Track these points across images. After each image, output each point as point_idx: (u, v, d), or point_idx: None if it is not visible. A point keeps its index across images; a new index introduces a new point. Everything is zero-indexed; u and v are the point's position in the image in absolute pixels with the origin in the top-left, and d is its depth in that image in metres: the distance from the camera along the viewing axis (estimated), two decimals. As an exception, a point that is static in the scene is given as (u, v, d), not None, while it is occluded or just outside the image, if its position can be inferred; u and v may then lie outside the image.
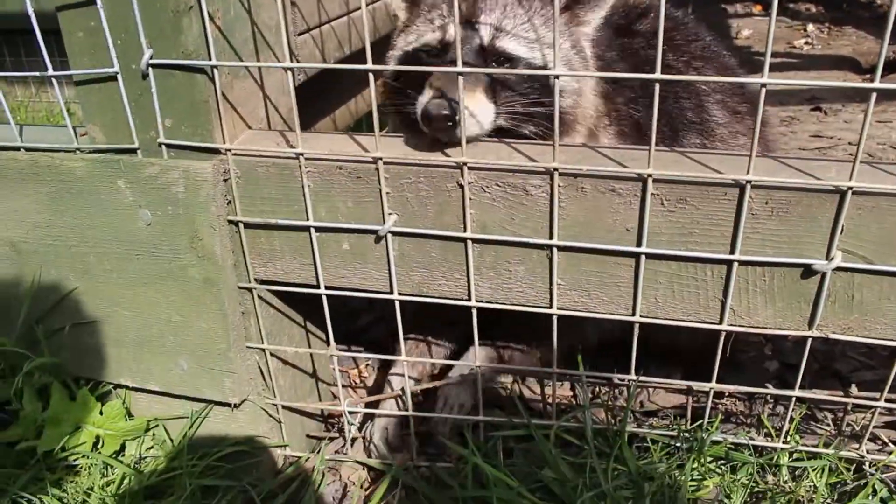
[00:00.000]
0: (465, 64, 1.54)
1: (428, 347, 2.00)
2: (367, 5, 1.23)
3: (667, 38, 1.95)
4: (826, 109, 4.14)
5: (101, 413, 1.77)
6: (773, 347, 2.15)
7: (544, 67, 1.60)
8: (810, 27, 6.25)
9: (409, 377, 1.93)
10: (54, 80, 1.54)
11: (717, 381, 1.50)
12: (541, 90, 1.58)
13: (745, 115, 1.97)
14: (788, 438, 1.61)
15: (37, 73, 1.66)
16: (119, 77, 1.46)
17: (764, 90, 1.18)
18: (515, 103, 1.56)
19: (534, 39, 1.61)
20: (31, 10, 1.47)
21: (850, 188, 1.21)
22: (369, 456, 1.81)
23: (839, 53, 5.41)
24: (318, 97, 2.29)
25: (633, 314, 1.42)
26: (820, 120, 4.06)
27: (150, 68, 1.43)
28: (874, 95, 1.17)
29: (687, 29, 2.08)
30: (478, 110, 1.47)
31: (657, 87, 1.21)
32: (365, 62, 1.31)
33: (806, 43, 5.79)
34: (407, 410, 1.74)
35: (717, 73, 1.96)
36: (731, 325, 1.39)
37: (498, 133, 1.54)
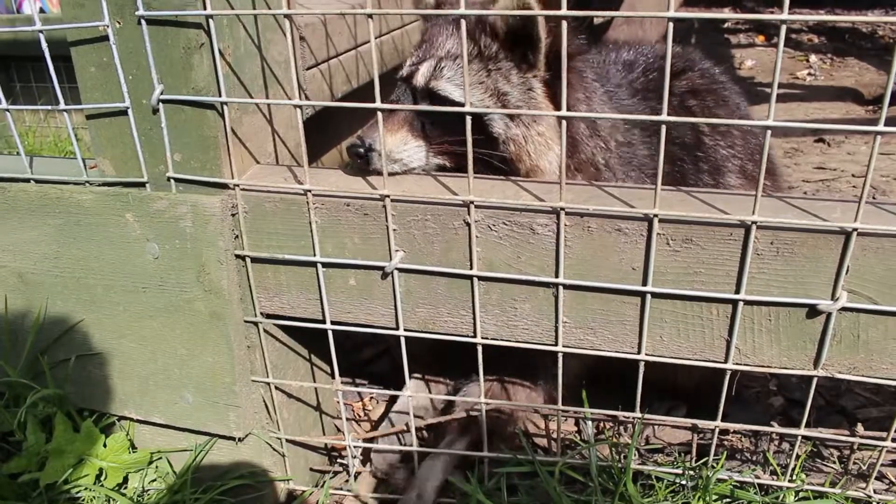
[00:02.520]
0: (399, 103, 1.68)
1: (428, 384, 2.01)
2: (375, 38, 1.24)
3: (699, 97, 1.99)
4: (829, 141, 4.16)
5: (104, 445, 1.76)
6: (777, 383, 2.15)
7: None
8: (813, 58, 6.30)
9: (417, 415, 1.93)
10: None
11: (723, 418, 1.50)
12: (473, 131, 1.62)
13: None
14: (794, 477, 1.60)
15: (49, 107, 1.68)
16: (130, 112, 1.48)
17: (769, 133, 1.19)
18: (448, 143, 1.59)
19: (472, 83, 1.63)
20: (42, 39, 1.49)
21: (855, 229, 1.21)
22: (376, 477, 1.81)
23: (841, 84, 5.45)
24: (326, 128, 2.30)
25: (639, 352, 1.42)
26: (823, 152, 4.07)
27: (160, 104, 1.44)
28: (878, 139, 1.18)
29: (722, 91, 2.08)
30: (397, 148, 1.59)
31: (664, 128, 1.22)
32: (372, 93, 1.32)
33: (808, 74, 5.84)
34: (408, 446, 1.73)
35: (741, 139, 1.98)
36: (737, 364, 1.39)
37: (443, 171, 1.62)
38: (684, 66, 2.06)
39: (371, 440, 1.89)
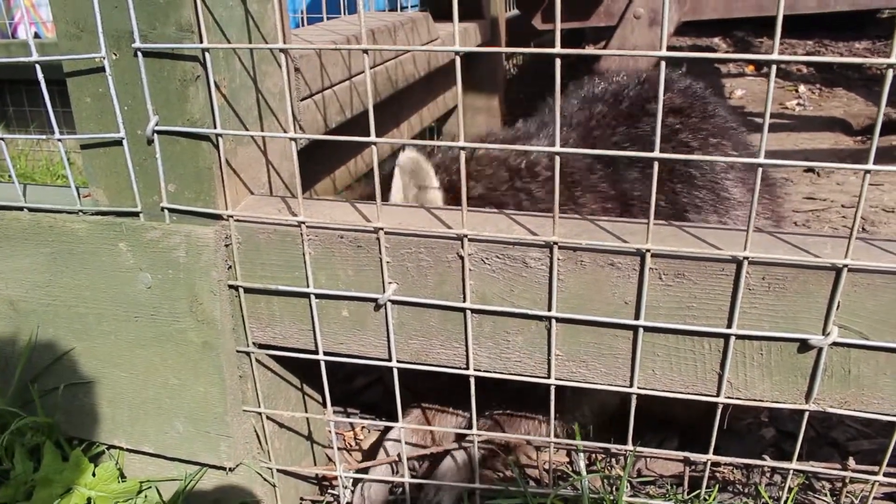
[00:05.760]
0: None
1: (428, 416, 2.00)
2: (370, 69, 1.25)
3: (682, 115, 1.98)
4: (819, 171, 4.19)
5: (93, 474, 1.75)
6: (769, 414, 2.15)
7: None
8: (802, 88, 6.36)
9: (411, 444, 1.93)
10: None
11: (715, 450, 1.49)
12: None
13: (762, 193, 1.99)
14: (786, 510, 1.60)
15: (44, 137, 1.68)
16: (125, 142, 1.49)
17: (760, 171, 1.20)
18: None
19: None
20: (38, 70, 1.49)
21: (846, 265, 1.22)
22: None
23: (830, 115, 5.51)
24: (319, 158, 2.31)
25: (631, 385, 1.42)
26: (813, 182, 4.11)
27: (155, 135, 1.45)
28: (868, 176, 1.19)
29: (706, 105, 2.07)
30: None
31: (656, 165, 1.23)
32: (367, 122, 1.33)
33: (798, 104, 5.89)
34: (401, 477, 1.72)
35: (733, 149, 2.00)
36: (729, 397, 1.40)
37: None
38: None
39: (362, 471, 1.88)
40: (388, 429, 2.03)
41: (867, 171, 1.18)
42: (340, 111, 2.15)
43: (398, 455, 1.81)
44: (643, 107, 2.01)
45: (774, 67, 1.12)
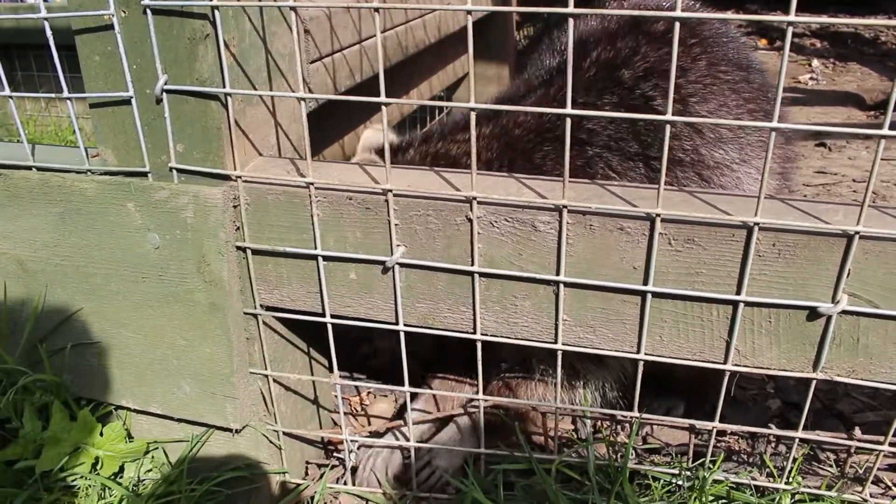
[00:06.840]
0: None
1: (445, 387, 2.00)
2: (380, 33, 1.24)
3: (656, 76, 1.81)
4: (830, 145, 4.16)
5: (101, 434, 1.76)
6: (775, 385, 2.15)
7: None
8: (815, 62, 6.29)
9: (418, 409, 1.93)
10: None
11: (720, 419, 1.50)
12: None
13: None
14: (790, 479, 1.61)
15: (52, 95, 1.68)
16: (133, 101, 1.48)
17: (773, 134, 1.19)
18: None
19: None
20: (47, 27, 1.49)
21: (858, 232, 1.21)
22: (359, 485, 1.81)
23: (843, 89, 5.45)
24: (327, 122, 2.30)
25: (638, 351, 1.42)
26: (824, 156, 4.07)
27: (164, 94, 1.44)
28: (882, 142, 1.18)
29: (693, 46, 1.85)
30: None
31: (667, 128, 1.22)
32: (376, 88, 1.32)
33: (811, 78, 5.83)
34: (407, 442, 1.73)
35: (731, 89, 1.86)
36: (736, 365, 1.39)
37: None
38: (634, 46, 1.83)
39: (374, 435, 1.89)
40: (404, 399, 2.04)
41: (882, 137, 1.16)
42: (350, 75, 2.13)
43: (404, 420, 1.81)
44: (617, 71, 1.83)
45: (790, 29, 1.11)
